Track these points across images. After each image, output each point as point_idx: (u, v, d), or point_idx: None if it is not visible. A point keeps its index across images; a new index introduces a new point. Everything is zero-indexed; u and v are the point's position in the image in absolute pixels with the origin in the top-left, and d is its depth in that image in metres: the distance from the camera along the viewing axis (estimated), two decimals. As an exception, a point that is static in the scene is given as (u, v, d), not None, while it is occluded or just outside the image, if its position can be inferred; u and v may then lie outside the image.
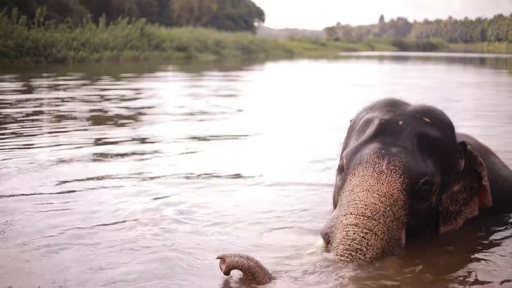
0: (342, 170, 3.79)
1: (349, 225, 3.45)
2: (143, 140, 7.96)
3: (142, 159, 6.65)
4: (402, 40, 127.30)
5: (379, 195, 3.50)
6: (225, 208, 4.66)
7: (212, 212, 4.51)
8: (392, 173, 3.53)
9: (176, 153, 7.03)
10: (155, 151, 7.15)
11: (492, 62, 47.96)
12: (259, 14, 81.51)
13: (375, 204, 3.47)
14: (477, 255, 3.73)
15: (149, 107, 11.78)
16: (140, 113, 10.90)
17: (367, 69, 33.97)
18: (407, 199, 3.53)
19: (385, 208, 3.48)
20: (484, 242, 3.97)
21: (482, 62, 49.15)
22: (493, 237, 4.06)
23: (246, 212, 4.56)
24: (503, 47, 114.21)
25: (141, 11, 53.40)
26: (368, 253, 3.37)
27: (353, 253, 3.37)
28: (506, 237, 4.05)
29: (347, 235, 3.43)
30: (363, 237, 3.40)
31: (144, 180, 5.61)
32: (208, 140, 8.13)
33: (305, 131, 9.06)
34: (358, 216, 3.46)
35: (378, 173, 3.54)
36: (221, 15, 69.32)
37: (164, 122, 9.97)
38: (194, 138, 8.23)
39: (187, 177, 5.76)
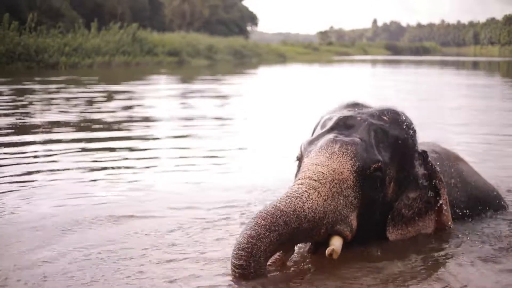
0: (300, 160, 3.90)
1: (295, 185, 3.55)
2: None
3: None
4: (395, 44, 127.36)
5: (328, 169, 3.57)
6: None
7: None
8: (343, 155, 3.62)
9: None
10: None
11: (485, 66, 48.03)
12: (252, 19, 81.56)
13: (323, 173, 3.56)
14: (444, 261, 3.73)
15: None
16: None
17: (360, 73, 34.01)
18: (357, 182, 3.60)
19: (333, 179, 3.55)
20: (452, 248, 3.94)
21: (475, 65, 49.24)
22: (462, 244, 4.03)
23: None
24: (496, 50, 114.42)
25: (133, 16, 53.26)
26: (307, 203, 3.42)
27: (293, 199, 3.41)
28: (476, 243, 4.03)
29: (291, 189, 3.53)
30: (305, 191, 3.48)
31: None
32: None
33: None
34: (304, 179, 3.56)
35: (330, 154, 3.64)
36: (213, 20, 69.28)
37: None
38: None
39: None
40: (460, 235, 4.12)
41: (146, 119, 11.11)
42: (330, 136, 3.78)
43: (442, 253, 3.84)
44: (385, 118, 3.92)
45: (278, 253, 3.50)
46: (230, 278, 3.33)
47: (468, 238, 4.08)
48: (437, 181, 4.04)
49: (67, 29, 34.12)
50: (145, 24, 47.97)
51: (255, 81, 25.31)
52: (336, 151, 3.63)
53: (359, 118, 3.87)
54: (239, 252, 3.23)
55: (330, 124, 3.92)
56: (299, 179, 3.60)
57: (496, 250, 3.88)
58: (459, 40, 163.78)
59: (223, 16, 71.73)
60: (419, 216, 4.01)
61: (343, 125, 3.86)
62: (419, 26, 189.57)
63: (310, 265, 3.63)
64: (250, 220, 3.33)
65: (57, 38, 31.52)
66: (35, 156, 7.20)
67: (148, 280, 3.37)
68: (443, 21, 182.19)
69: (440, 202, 4.05)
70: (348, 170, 3.58)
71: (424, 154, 4.06)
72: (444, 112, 12.90)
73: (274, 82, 24.22)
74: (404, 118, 4.01)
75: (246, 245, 3.21)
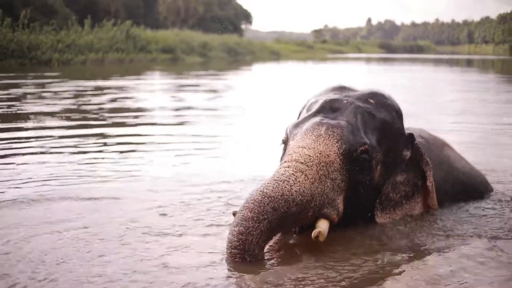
0: (285, 143, 3.88)
1: (281, 168, 3.52)
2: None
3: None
4: (390, 43, 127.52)
5: (314, 152, 3.54)
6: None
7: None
8: (330, 137, 3.59)
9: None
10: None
11: (480, 64, 48.13)
12: (246, 17, 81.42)
13: (310, 156, 3.53)
14: (431, 252, 3.61)
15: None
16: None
17: (355, 70, 34.03)
18: (344, 165, 3.58)
19: (319, 162, 3.51)
20: (440, 233, 3.89)
21: (469, 63, 49.33)
22: (450, 229, 3.98)
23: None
24: (490, 49, 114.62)
25: (127, 13, 53.07)
26: (294, 186, 3.37)
27: (280, 183, 3.37)
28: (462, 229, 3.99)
29: (277, 172, 3.49)
30: (292, 174, 3.44)
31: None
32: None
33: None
34: (291, 162, 3.52)
35: (317, 136, 3.61)
36: (207, 18, 69.17)
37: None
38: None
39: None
40: (447, 225, 4.06)
41: (136, 110, 11.17)
42: (316, 119, 3.76)
43: (430, 242, 3.76)
44: (371, 101, 3.91)
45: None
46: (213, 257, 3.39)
47: (455, 227, 4.02)
48: (423, 164, 4.05)
49: (60, 26, 34.01)
50: (139, 21, 47.82)
51: (249, 77, 25.30)
52: (322, 133, 3.61)
53: (345, 101, 3.86)
54: (232, 251, 3.22)
55: (316, 107, 3.91)
56: (285, 161, 3.57)
57: (483, 242, 3.77)
58: (453, 39, 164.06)
59: (217, 14, 71.60)
60: (406, 199, 4.03)
61: (329, 108, 3.85)
62: (414, 24, 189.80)
63: (297, 249, 3.59)
64: (237, 214, 3.28)
65: (50, 35, 31.41)
66: (22, 140, 7.26)
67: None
68: (437, 20, 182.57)
69: (427, 184, 4.06)
70: (334, 153, 3.56)
71: (411, 137, 4.04)
72: (438, 104, 12.93)
73: (268, 78, 24.23)
74: (390, 102, 4.01)
75: (237, 243, 3.19)
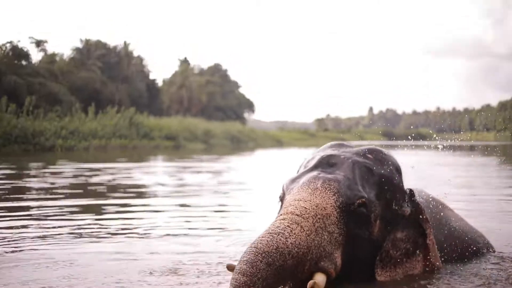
0: (282, 199, 3.81)
1: (276, 221, 3.42)
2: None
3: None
4: (392, 131, 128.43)
5: (311, 204, 3.46)
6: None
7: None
8: (326, 190, 3.53)
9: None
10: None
11: (483, 149, 48.32)
12: (249, 106, 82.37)
13: (306, 208, 3.44)
14: None
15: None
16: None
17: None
18: (341, 218, 3.49)
19: (316, 215, 3.42)
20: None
21: (472, 148, 49.50)
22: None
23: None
24: (492, 136, 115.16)
25: (131, 102, 53.82)
26: (289, 239, 3.26)
27: (274, 236, 3.26)
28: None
29: (272, 225, 3.38)
30: (287, 226, 3.34)
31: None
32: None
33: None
34: (286, 214, 3.43)
35: (313, 189, 3.55)
36: (211, 107, 70.04)
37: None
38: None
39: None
40: (448, 279, 3.94)
41: (135, 186, 11.09)
42: (313, 173, 3.71)
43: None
44: (369, 156, 3.88)
45: None
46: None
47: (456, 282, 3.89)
48: (423, 221, 3.93)
49: (64, 113, 34.47)
50: (143, 110, 48.39)
51: (251, 160, 25.31)
52: (319, 186, 3.55)
53: (342, 157, 3.82)
54: None
55: (313, 163, 3.87)
56: (281, 214, 3.48)
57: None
58: (454, 127, 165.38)
59: (220, 103, 72.54)
60: (406, 257, 3.88)
61: (326, 164, 3.80)
62: (415, 113, 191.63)
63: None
64: (232, 276, 3.17)
65: (54, 121, 31.83)
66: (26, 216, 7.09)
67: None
68: (438, 108, 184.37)
69: (427, 242, 3.93)
70: (331, 206, 3.47)
71: (410, 193, 3.95)
72: (444, 179, 12.91)
73: (270, 161, 24.24)
74: (389, 157, 3.97)
75: None
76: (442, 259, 4.14)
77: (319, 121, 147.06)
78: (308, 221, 3.37)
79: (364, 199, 3.54)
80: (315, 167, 3.79)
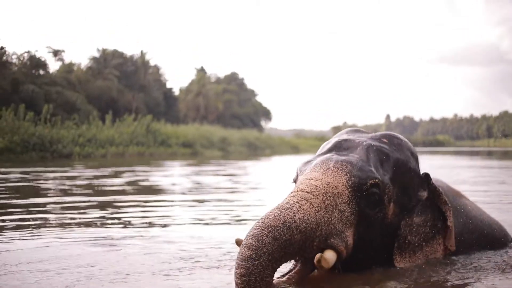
0: (295, 181, 3.84)
1: (286, 198, 3.41)
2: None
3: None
4: (409, 138, 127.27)
5: (321, 182, 3.46)
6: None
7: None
8: (338, 170, 3.52)
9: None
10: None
11: (501, 155, 48.07)
12: (266, 114, 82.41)
13: (316, 186, 3.43)
14: None
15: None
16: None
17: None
18: (353, 197, 3.47)
19: (326, 192, 3.41)
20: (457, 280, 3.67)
21: (490, 154, 49.26)
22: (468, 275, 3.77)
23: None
24: (510, 142, 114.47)
25: (148, 110, 54.01)
26: (298, 214, 3.25)
27: (282, 211, 3.25)
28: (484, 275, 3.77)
29: (283, 201, 3.37)
30: (296, 202, 3.33)
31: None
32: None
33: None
34: (296, 192, 3.43)
35: (325, 169, 3.55)
36: (227, 114, 70.17)
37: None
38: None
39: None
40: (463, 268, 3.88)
41: (152, 186, 11.11)
42: (326, 155, 3.72)
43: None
44: (385, 140, 3.87)
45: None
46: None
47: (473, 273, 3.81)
48: (441, 204, 3.91)
49: (81, 121, 34.67)
50: (160, 118, 48.60)
51: (267, 165, 25.31)
52: (331, 167, 3.55)
53: (357, 141, 3.83)
54: None
55: (327, 147, 3.90)
56: (291, 192, 3.47)
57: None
58: (472, 134, 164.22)
59: (237, 111, 72.66)
60: (426, 241, 3.86)
61: (340, 147, 3.83)
62: (432, 120, 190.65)
63: None
64: (238, 253, 3.15)
65: (71, 129, 32.02)
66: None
67: None
68: (455, 115, 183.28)
69: (448, 224, 3.90)
70: (343, 185, 3.46)
71: (427, 177, 3.92)
72: (463, 178, 12.90)
73: (286, 165, 24.18)
74: (405, 142, 3.96)
75: (242, 285, 3.07)
76: (461, 248, 4.10)
77: (336, 129, 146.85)
78: (318, 198, 3.36)
79: (377, 180, 3.53)
80: (329, 151, 3.82)
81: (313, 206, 3.31)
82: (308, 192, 3.38)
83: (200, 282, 3.59)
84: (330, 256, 3.29)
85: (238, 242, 3.40)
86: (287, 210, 3.24)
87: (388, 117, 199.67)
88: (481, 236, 4.38)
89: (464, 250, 4.17)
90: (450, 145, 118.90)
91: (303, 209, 3.27)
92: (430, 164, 23.70)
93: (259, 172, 18.80)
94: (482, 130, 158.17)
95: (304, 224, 3.22)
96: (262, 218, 3.22)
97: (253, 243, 3.10)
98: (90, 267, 3.94)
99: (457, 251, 4.03)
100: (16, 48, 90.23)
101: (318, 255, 3.24)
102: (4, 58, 45.03)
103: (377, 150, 3.73)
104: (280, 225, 3.15)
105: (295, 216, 3.22)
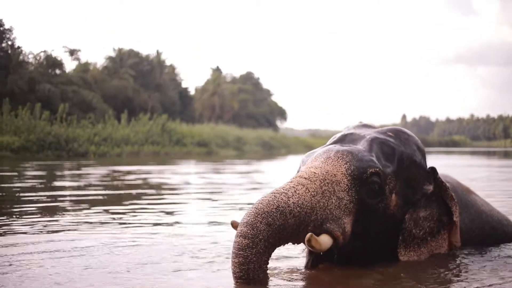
0: (298, 171, 3.86)
1: (284, 183, 3.48)
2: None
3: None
4: (425, 138, 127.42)
5: (321, 170, 3.49)
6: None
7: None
8: (338, 159, 3.57)
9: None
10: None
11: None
12: (281, 114, 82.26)
13: (315, 173, 3.47)
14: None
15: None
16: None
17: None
18: (352, 185, 3.49)
19: (324, 179, 3.44)
20: (465, 276, 3.63)
21: (506, 154, 48.97)
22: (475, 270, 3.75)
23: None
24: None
25: (163, 110, 54.13)
26: (292, 198, 3.29)
27: (277, 195, 3.30)
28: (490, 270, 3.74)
29: (279, 187, 3.44)
30: (292, 187, 3.38)
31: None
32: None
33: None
34: (295, 178, 3.48)
35: (326, 158, 3.61)
36: (243, 114, 70.14)
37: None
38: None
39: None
40: (475, 260, 3.89)
41: (166, 184, 11.16)
42: (329, 146, 3.78)
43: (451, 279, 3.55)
44: (390, 134, 3.90)
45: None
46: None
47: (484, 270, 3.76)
48: (447, 199, 3.90)
49: (97, 120, 34.80)
50: (175, 117, 48.67)
51: (282, 164, 25.30)
52: (332, 156, 3.60)
53: (362, 134, 3.87)
54: (238, 280, 3.21)
55: (333, 140, 3.97)
56: (290, 179, 3.52)
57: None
58: (489, 134, 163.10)
59: (252, 110, 72.62)
60: (431, 235, 3.85)
61: (345, 140, 3.89)
62: (448, 120, 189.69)
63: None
64: (234, 241, 3.22)
65: (87, 128, 32.15)
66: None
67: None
68: (472, 115, 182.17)
69: (454, 219, 3.89)
70: (342, 173, 3.50)
71: (433, 171, 3.92)
72: (478, 176, 12.84)
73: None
74: (411, 137, 3.98)
75: (241, 273, 3.17)
76: (470, 243, 4.14)
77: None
78: (315, 183, 3.41)
79: (377, 169, 3.55)
80: (333, 143, 3.87)
81: (309, 191, 3.36)
82: (305, 178, 3.43)
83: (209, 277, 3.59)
84: (324, 239, 3.32)
85: (234, 224, 3.44)
86: (281, 194, 3.30)
87: (404, 117, 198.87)
88: (491, 231, 4.40)
89: (473, 245, 4.19)
90: (466, 145, 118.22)
91: (298, 193, 3.32)
92: (445, 163, 23.70)
93: (274, 170, 18.78)
94: (498, 130, 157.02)
95: (298, 208, 3.27)
96: (256, 203, 3.28)
97: (248, 231, 3.17)
98: (95, 261, 3.99)
99: (466, 246, 4.06)
100: (33, 48, 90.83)
101: (308, 235, 3.25)
102: (21, 57, 45.35)
103: (381, 142, 3.75)
104: (274, 210, 3.21)
105: (289, 200, 3.27)
